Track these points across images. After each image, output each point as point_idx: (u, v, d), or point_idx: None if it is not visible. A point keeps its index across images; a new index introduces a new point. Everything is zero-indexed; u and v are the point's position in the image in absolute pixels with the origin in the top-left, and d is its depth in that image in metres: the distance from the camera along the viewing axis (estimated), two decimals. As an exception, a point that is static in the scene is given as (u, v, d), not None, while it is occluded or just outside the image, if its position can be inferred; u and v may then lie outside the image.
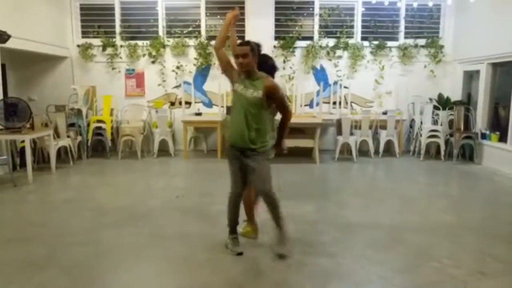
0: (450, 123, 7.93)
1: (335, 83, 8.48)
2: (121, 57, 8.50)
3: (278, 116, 3.49)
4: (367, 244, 3.76)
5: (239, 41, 3.44)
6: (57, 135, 7.00)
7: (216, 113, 8.11)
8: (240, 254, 3.51)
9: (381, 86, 8.54)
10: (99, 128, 7.87)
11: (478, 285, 3.00)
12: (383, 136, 7.98)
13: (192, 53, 8.49)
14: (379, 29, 8.49)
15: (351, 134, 7.77)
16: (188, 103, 8.45)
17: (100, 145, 8.17)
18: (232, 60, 3.41)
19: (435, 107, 8.12)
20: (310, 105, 8.56)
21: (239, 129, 3.30)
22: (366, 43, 8.48)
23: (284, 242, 3.43)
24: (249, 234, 3.81)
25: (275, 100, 3.32)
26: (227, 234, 3.62)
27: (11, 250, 3.64)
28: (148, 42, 8.45)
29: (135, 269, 3.27)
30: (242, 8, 8.44)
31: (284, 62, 8.41)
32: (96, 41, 8.47)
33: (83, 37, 8.56)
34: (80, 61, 8.53)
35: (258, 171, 3.32)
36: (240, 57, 3.24)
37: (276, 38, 8.50)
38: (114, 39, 8.48)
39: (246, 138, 3.29)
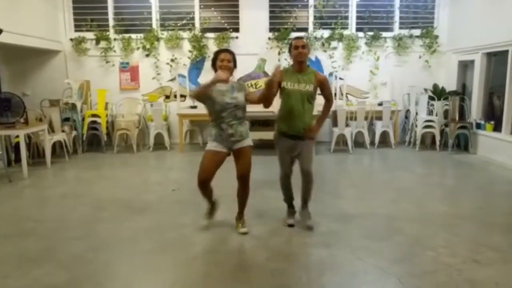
0: (445, 113, 7.95)
1: (330, 74, 8.46)
2: (115, 51, 8.44)
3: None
4: (363, 234, 3.78)
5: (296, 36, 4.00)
6: (51, 129, 6.97)
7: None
8: (290, 225, 3.96)
9: (376, 77, 8.54)
10: (94, 122, 7.84)
11: (473, 273, 3.03)
12: (379, 127, 8.00)
13: (187, 46, 8.45)
14: (374, 20, 8.47)
15: (347, 125, 7.78)
16: (183, 96, 8.41)
17: (95, 140, 8.15)
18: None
19: (430, 98, 8.13)
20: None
21: (297, 121, 3.80)
22: (361, 34, 8.46)
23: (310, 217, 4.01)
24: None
25: (325, 90, 3.94)
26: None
27: (7, 245, 3.63)
28: (141, 35, 8.40)
29: (133, 263, 3.28)
30: (236, -1, 8.41)
31: (279, 53, 8.39)
32: (89, 35, 8.41)
33: (76, 30, 8.49)
34: (73, 55, 8.47)
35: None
36: (300, 47, 3.74)
37: (271, 29, 8.47)
38: (107, 33, 8.42)
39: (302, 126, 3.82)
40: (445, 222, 4.11)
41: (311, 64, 8.48)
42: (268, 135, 7.68)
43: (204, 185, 3.66)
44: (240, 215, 3.90)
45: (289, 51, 3.92)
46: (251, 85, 8.48)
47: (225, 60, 3.60)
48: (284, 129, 3.86)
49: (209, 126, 3.71)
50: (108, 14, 8.45)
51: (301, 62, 3.80)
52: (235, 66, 3.71)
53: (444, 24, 8.43)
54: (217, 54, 3.70)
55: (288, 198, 4.10)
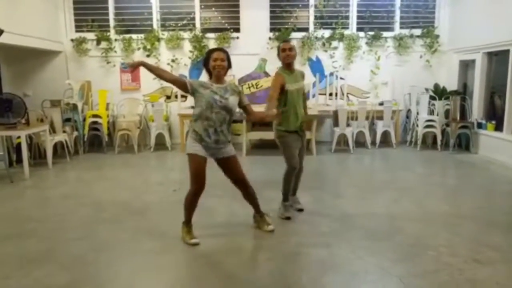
0: (446, 113, 7.94)
1: (331, 74, 8.47)
2: (115, 51, 8.45)
3: None
4: (363, 234, 3.78)
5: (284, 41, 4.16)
6: (53, 130, 6.98)
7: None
8: (288, 218, 4.12)
9: (377, 76, 8.53)
10: (95, 123, 7.84)
11: (474, 273, 3.03)
12: (380, 127, 7.99)
13: (187, 46, 8.45)
14: (374, 20, 8.46)
15: (348, 125, 7.77)
16: (184, 97, 8.42)
17: (97, 140, 8.15)
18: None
19: (431, 97, 8.12)
20: (306, 96, 8.53)
21: (300, 116, 4.11)
22: (361, 34, 8.45)
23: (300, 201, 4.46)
24: None
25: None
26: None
27: (9, 246, 3.64)
28: (142, 35, 8.40)
29: (133, 264, 3.28)
30: (237, -1, 8.41)
31: (280, 54, 8.38)
32: (90, 35, 8.42)
33: (77, 31, 8.50)
34: (74, 56, 8.48)
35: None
36: (288, 50, 3.97)
37: (271, 29, 8.46)
38: (108, 33, 8.43)
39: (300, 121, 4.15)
40: (446, 221, 4.10)
41: (312, 64, 8.50)
42: (269, 135, 7.72)
43: (200, 194, 3.50)
44: (260, 214, 3.86)
45: (278, 54, 4.13)
46: (252, 85, 8.48)
47: (218, 59, 3.40)
48: (292, 127, 4.10)
49: (191, 125, 3.50)
50: (109, 14, 8.45)
51: (289, 64, 4.07)
52: (229, 65, 3.51)
53: (445, 24, 8.42)
54: (209, 53, 3.49)
55: (289, 191, 4.25)
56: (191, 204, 3.54)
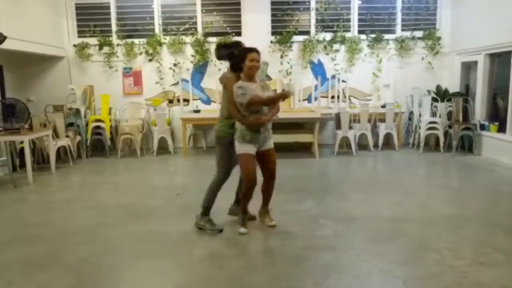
0: (449, 115, 7.92)
1: (333, 77, 8.47)
2: (118, 56, 8.49)
3: None
4: (367, 237, 3.77)
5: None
6: (56, 135, 7.01)
7: (214, 110, 8.08)
8: (221, 231, 3.87)
9: (379, 79, 8.53)
10: (98, 127, 7.86)
11: (478, 275, 3.01)
12: (382, 129, 7.98)
13: (189, 50, 8.47)
14: (375, 22, 8.47)
15: (350, 128, 7.78)
16: (186, 101, 8.43)
17: (99, 144, 8.16)
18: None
19: (434, 99, 8.11)
20: (308, 99, 8.55)
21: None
22: (363, 37, 8.46)
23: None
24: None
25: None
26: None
27: (12, 250, 3.64)
28: (144, 40, 8.43)
29: (137, 267, 3.28)
30: (238, 3, 8.42)
31: (282, 57, 8.40)
32: (93, 40, 8.45)
33: (79, 36, 8.54)
34: (77, 61, 8.51)
35: None
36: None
37: (273, 33, 8.48)
38: (110, 38, 8.46)
39: None
40: (449, 224, 4.09)
41: (314, 67, 8.51)
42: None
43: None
44: (267, 209, 4.08)
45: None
46: (254, 89, 8.47)
47: (255, 60, 3.67)
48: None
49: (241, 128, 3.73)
50: (111, 19, 8.49)
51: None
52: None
53: (447, 25, 8.42)
54: (246, 52, 3.73)
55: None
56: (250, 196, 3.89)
